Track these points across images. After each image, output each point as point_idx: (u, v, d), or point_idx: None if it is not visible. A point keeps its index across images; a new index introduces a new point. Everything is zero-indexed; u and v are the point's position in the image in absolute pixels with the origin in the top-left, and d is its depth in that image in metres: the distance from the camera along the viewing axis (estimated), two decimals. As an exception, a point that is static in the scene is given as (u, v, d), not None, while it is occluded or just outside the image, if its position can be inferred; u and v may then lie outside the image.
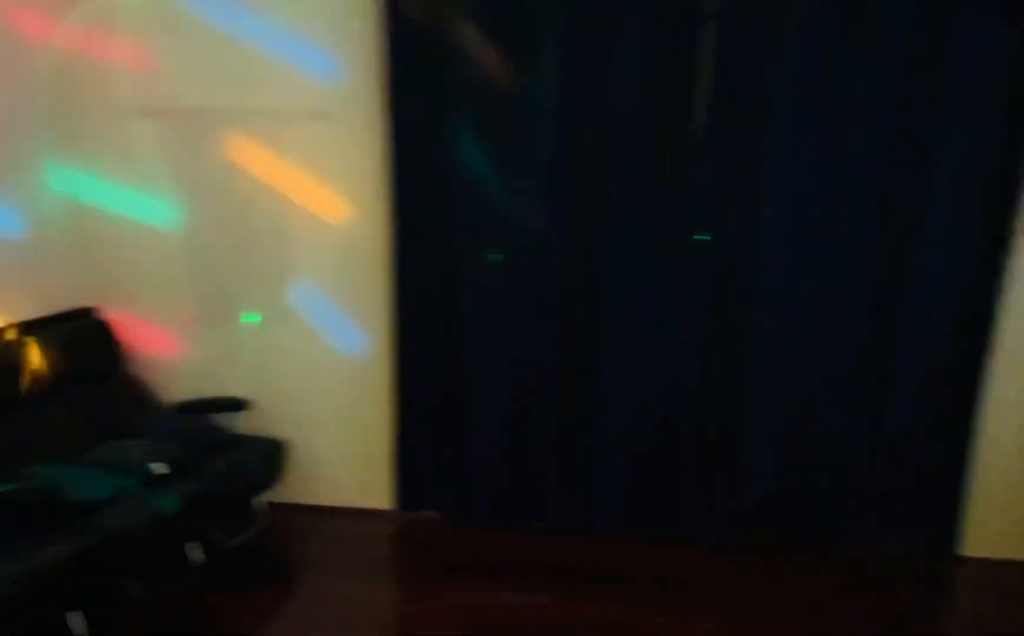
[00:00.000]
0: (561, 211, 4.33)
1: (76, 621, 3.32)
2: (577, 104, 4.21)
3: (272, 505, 4.74)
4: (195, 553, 4.07)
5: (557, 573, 4.28)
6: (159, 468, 3.89)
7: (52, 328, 4.38)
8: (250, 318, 4.83)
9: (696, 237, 4.26)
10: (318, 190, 4.63)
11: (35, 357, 4.13)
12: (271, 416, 4.75)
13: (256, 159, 4.64)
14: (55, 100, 4.63)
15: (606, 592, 4.10)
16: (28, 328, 4.26)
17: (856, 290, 4.23)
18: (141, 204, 4.78)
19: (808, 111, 4.05)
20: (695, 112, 4.14)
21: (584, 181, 4.29)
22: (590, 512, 4.68)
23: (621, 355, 4.47)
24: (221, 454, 4.31)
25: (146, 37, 4.60)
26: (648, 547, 4.55)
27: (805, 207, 4.16)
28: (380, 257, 4.59)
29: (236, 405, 4.65)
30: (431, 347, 4.62)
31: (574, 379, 4.54)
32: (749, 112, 4.09)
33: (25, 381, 4.07)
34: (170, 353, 4.90)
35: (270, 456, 4.52)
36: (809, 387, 4.37)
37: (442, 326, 4.58)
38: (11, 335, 4.15)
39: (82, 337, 4.57)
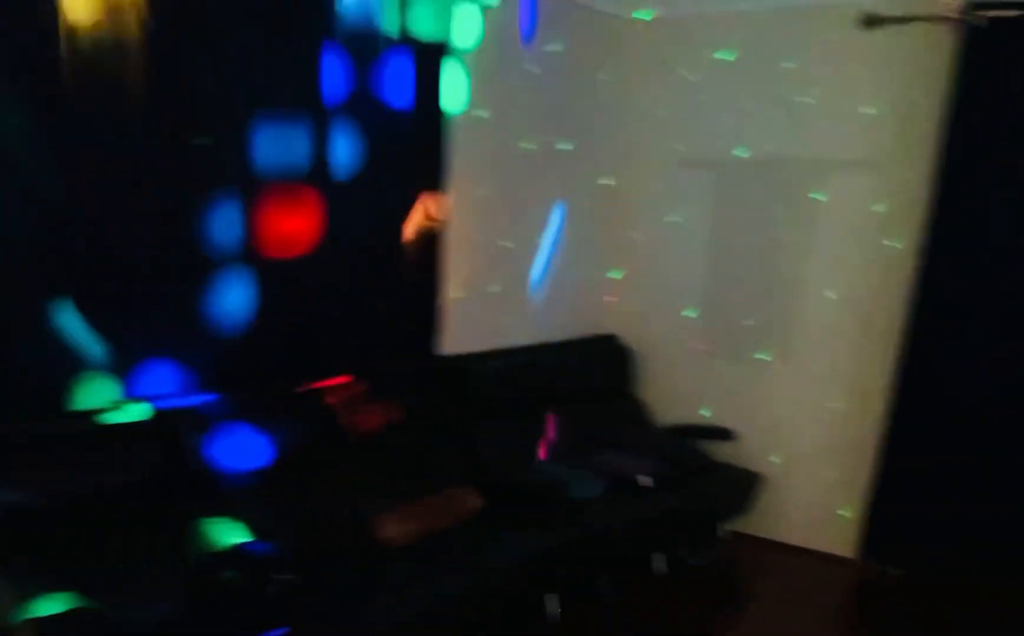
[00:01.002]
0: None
1: (552, 603, 4.00)
2: None
3: (736, 533, 5.09)
4: (660, 564, 4.59)
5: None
6: (645, 481, 4.45)
7: (577, 348, 5.16)
8: (762, 356, 5.19)
9: None
10: (841, 239, 4.85)
11: (554, 373, 4.93)
12: (751, 449, 5.09)
13: (785, 206, 5.00)
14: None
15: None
16: (552, 348, 5.05)
17: None
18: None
19: None
20: None
21: None
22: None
23: None
24: (699, 477, 4.75)
25: (690, 90, 5.21)
26: None
27: None
28: (892, 308, 4.68)
29: (723, 434, 5.06)
30: (930, 408, 4.61)
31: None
32: None
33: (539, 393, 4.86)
34: (675, 379, 5.45)
35: (744, 487, 4.89)
36: None
37: (946, 390, 4.56)
38: (533, 354, 4.95)
39: (599, 359, 5.31)
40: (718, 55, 5.09)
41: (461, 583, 3.49)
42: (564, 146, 5.03)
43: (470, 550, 3.68)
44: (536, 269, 5.02)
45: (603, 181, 5.39)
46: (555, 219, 5.08)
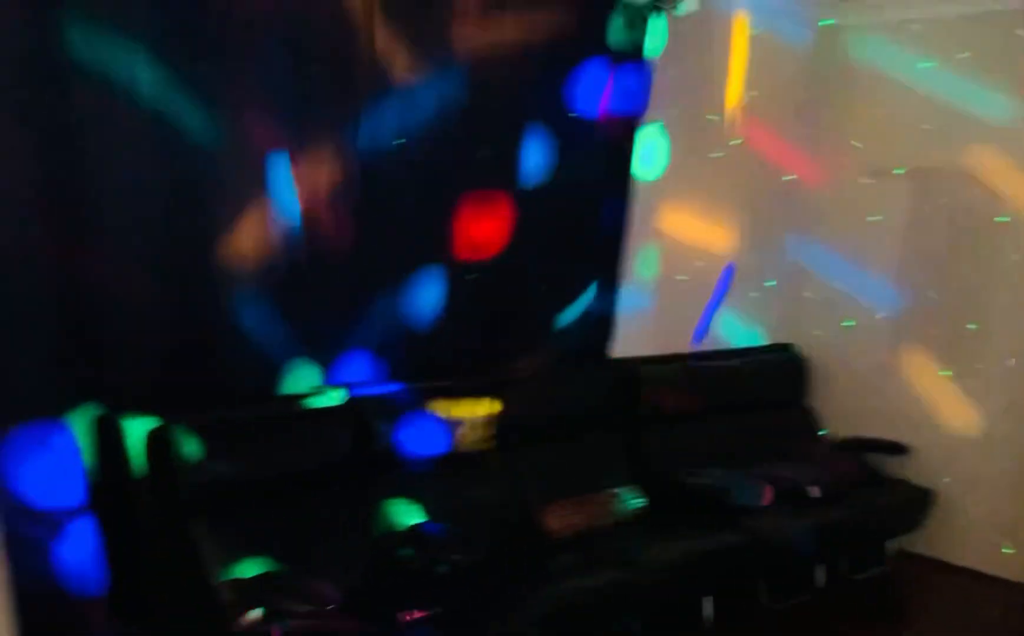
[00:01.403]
0: None
1: (707, 605, 4.09)
2: None
3: (904, 551, 4.98)
4: (819, 576, 4.57)
5: None
6: (814, 492, 4.45)
7: (751, 356, 5.17)
8: (945, 373, 4.98)
9: None
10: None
11: (725, 380, 4.97)
12: (926, 466, 4.92)
13: (978, 220, 4.82)
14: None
15: None
16: (724, 355, 5.09)
17: None
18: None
19: None
20: None
21: None
22: None
23: None
24: (868, 491, 4.70)
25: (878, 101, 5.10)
26: None
27: None
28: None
29: (896, 449, 4.92)
30: None
31: None
32: None
33: (712, 398, 4.90)
34: (852, 391, 5.30)
35: (914, 504, 4.78)
36: None
37: None
38: (712, 361, 5.00)
39: (773, 368, 5.27)
40: (921, 65, 4.91)
41: (619, 578, 3.65)
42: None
43: (630, 547, 3.84)
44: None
45: (787, 178, 5.36)
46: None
